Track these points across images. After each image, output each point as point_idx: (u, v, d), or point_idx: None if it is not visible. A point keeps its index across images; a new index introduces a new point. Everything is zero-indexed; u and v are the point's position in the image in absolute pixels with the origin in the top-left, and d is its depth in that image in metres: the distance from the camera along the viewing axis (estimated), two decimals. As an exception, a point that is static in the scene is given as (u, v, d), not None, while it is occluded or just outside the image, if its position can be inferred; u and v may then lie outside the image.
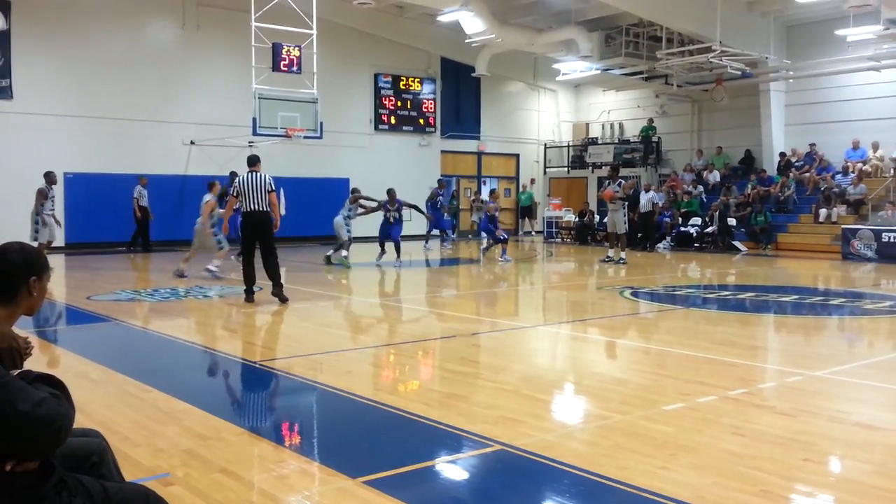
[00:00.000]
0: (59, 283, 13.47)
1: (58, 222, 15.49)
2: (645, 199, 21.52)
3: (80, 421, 4.62)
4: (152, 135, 20.24)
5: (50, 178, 15.35)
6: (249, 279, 10.55)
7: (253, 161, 10.78)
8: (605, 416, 5.23)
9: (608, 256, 17.16)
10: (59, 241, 18.72)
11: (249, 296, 10.58)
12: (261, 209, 10.39)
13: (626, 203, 17.11)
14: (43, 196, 15.02)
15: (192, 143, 21.14)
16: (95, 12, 19.83)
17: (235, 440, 4.65)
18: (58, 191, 19.31)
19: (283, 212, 17.60)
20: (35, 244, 14.68)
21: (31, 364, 3.41)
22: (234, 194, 10.66)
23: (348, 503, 3.65)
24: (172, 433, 4.75)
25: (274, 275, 10.48)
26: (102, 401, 5.53)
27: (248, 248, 10.65)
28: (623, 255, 16.97)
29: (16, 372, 2.20)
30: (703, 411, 5.28)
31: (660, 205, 22.04)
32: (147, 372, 6.72)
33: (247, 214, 10.44)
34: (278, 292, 10.48)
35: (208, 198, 13.72)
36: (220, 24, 21.26)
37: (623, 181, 17.20)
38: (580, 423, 5.23)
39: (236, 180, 10.81)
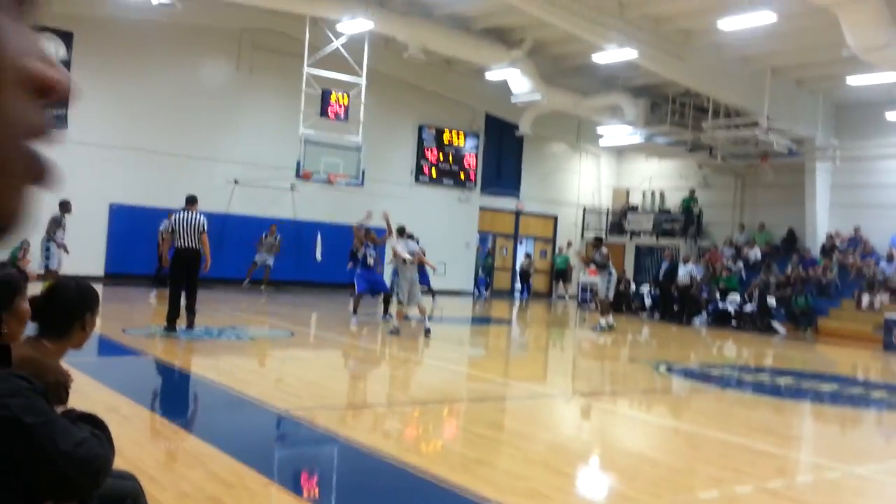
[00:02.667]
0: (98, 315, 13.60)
1: (66, 250, 15.56)
2: (683, 272, 21.30)
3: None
4: (198, 171, 20.61)
5: (66, 206, 15.55)
6: (174, 310, 11.05)
7: (191, 200, 11.36)
8: (634, 498, 5.08)
9: (599, 324, 16.78)
10: (99, 270, 19.03)
11: (171, 323, 10.97)
12: (193, 247, 10.96)
13: (610, 272, 16.93)
14: (56, 224, 15.21)
15: (235, 181, 21.48)
16: (154, 48, 20.42)
17: (259, 490, 4.59)
18: (102, 220, 19.78)
19: (319, 257, 17.77)
20: (42, 271, 14.88)
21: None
22: (169, 230, 11.25)
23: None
24: (198, 477, 4.71)
25: (190, 306, 11.06)
26: (132, 437, 5.52)
27: (176, 282, 11.13)
28: (607, 320, 16.66)
29: (60, 409, 2.19)
30: (738, 502, 5.11)
31: (698, 279, 21.79)
32: (177, 411, 6.71)
33: (179, 251, 10.99)
34: (191, 320, 11.04)
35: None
36: (273, 68, 21.76)
37: (602, 250, 17.17)
38: (611, 503, 5.08)
39: (172, 217, 11.39)
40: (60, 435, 1.95)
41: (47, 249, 15.15)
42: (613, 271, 17.16)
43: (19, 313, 2.10)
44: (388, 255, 15.31)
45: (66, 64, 19.49)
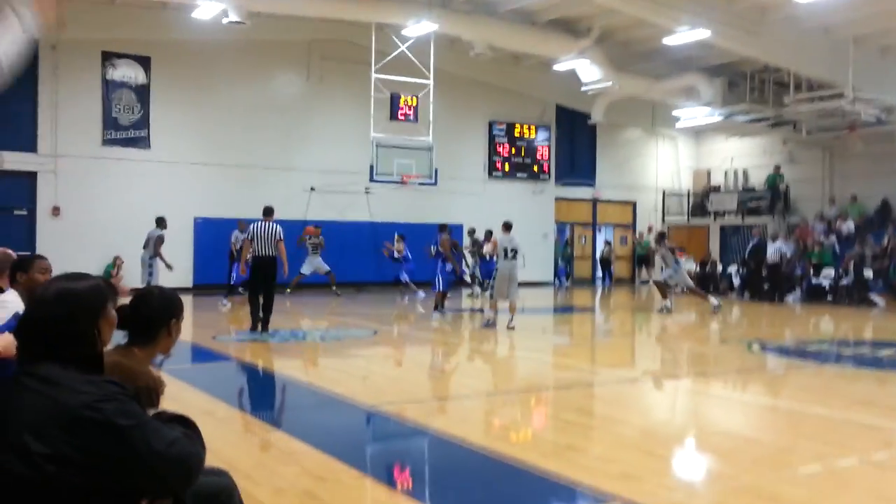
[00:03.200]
0: (187, 323, 14.07)
1: (169, 267, 16.12)
2: (772, 250, 20.61)
3: (207, 459, 4.75)
4: (275, 181, 21.05)
5: (162, 223, 16.19)
6: (255, 314, 11.85)
7: (267, 212, 12.14)
8: (734, 476, 4.93)
9: (713, 305, 16.39)
10: (188, 282, 19.66)
11: (254, 325, 11.77)
12: (270, 255, 11.66)
13: (677, 262, 16.78)
14: (161, 241, 15.86)
15: (312, 189, 21.86)
16: (227, 66, 20.97)
17: (352, 483, 4.65)
18: (187, 234, 20.43)
19: (407, 255, 17.98)
20: (143, 286, 15.45)
21: (162, 401, 3.53)
22: (249, 239, 11.98)
23: (465, 555, 3.55)
24: (292, 473, 4.80)
25: (267, 310, 11.76)
26: (227, 439, 5.67)
27: (254, 288, 11.98)
28: (666, 302, 16.64)
29: (152, 411, 2.26)
30: (842, 475, 4.90)
31: (788, 255, 21.02)
32: (268, 411, 6.86)
33: (257, 259, 11.71)
34: (264, 323, 11.71)
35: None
36: (342, 76, 22.05)
37: (665, 244, 17.26)
38: (707, 482, 4.95)
39: (250, 227, 12.16)
40: (153, 436, 2.01)
41: (150, 266, 15.79)
42: (680, 261, 17.15)
43: (109, 320, 2.20)
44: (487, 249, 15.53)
45: (146, 87, 20.22)
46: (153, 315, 2.79)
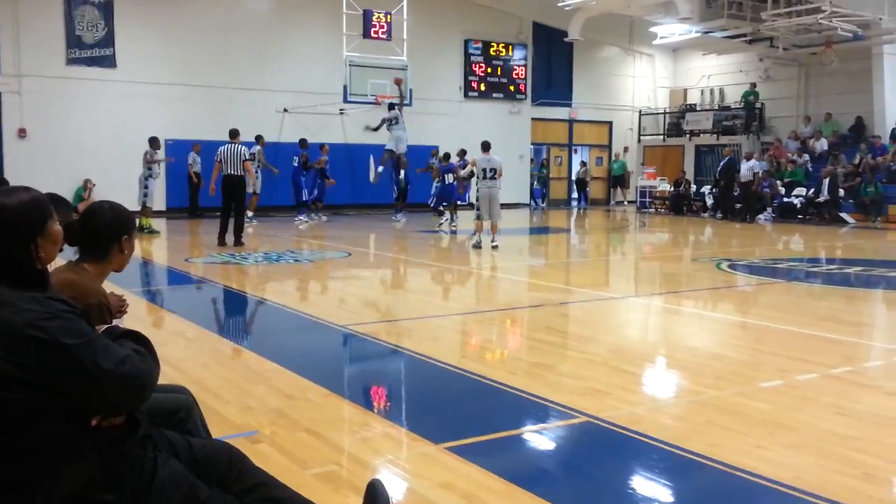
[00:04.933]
0: (161, 246, 13.97)
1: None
2: (745, 168, 20.68)
3: (174, 377, 4.76)
4: (247, 102, 20.62)
5: (155, 143, 16.08)
6: (224, 230, 12.79)
7: (233, 134, 13.03)
8: (697, 391, 5.04)
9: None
10: (162, 205, 19.43)
11: (221, 240, 12.74)
12: (237, 174, 12.65)
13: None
14: (151, 159, 15.75)
15: (285, 110, 21.47)
16: (194, -19, 20.29)
17: (322, 401, 4.69)
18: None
19: (374, 179, 17.73)
20: (139, 207, 15.32)
21: (130, 321, 3.50)
22: (218, 160, 12.81)
23: (431, 468, 3.63)
24: (261, 392, 4.84)
25: (238, 228, 12.82)
26: (197, 359, 5.69)
27: (225, 205, 12.86)
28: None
29: (103, 327, 2.21)
30: (803, 389, 5.02)
31: (759, 174, 21.12)
32: (239, 333, 6.86)
33: (226, 178, 12.69)
34: (236, 240, 12.76)
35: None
36: (314, -8, 21.44)
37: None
38: (671, 397, 5.05)
39: (219, 150, 12.89)
40: (101, 353, 1.97)
41: (146, 187, 15.67)
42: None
43: (52, 236, 2.10)
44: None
45: (110, 4, 19.52)
46: (104, 231, 2.72)
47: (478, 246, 13.13)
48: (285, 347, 6.38)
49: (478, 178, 13.31)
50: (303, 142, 18.46)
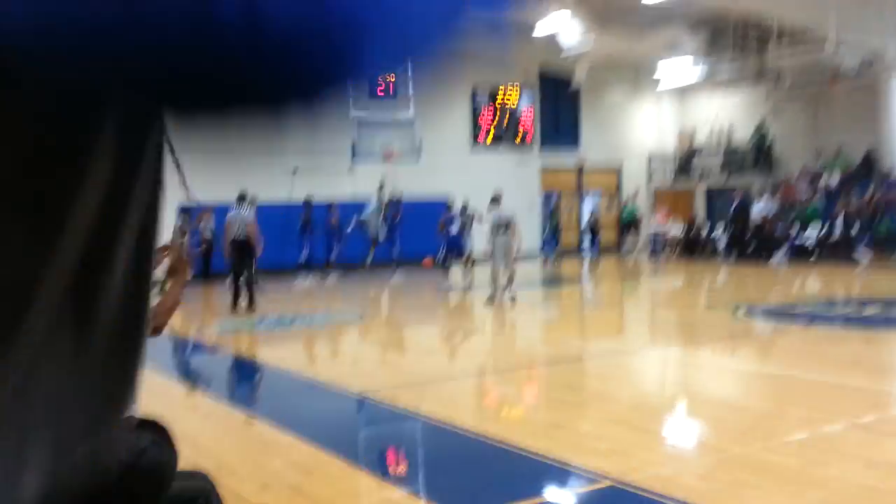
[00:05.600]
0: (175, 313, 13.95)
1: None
2: (756, 211, 20.61)
3: (188, 454, 4.70)
4: (256, 165, 20.77)
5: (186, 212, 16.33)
6: (236, 294, 12.97)
7: (240, 198, 13.52)
8: (722, 447, 4.93)
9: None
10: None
11: (234, 305, 12.89)
12: (243, 238, 12.82)
13: None
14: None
15: (294, 171, 21.66)
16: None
17: (340, 474, 4.61)
18: (170, 218, 20.23)
19: (381, 237, 17.87)
20: None
21: (142, 398, 3.46)
22: (227, 224, 13.11)
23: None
24: (278, 467, 4.77)
25: (250, 292, 13.05)
26: (212, 434, 5.62)
27: (235, 270, 13.05)
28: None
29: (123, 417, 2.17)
30: (830, 441, 4.91)
31: (769, 217, 20.94)
32: (254, 402, 6.81)
33: (234, 242, 12.87)
34: (249, 304, 12.90)
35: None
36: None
37: None
38: (696, 456, 4.95)
39: (228, 214, 13.23)
40: (122, 448, 1.94)
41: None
42: None
43: None
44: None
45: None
46: None
47: (492, 300, 12.89)
48: (301, 416, 6.30)
49: (490, 234, 12.95)
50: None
